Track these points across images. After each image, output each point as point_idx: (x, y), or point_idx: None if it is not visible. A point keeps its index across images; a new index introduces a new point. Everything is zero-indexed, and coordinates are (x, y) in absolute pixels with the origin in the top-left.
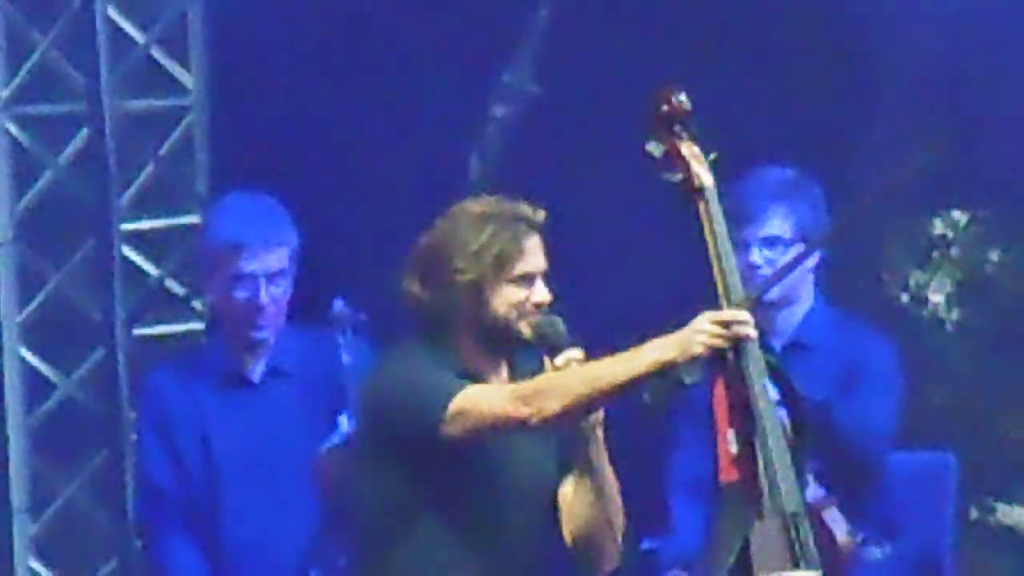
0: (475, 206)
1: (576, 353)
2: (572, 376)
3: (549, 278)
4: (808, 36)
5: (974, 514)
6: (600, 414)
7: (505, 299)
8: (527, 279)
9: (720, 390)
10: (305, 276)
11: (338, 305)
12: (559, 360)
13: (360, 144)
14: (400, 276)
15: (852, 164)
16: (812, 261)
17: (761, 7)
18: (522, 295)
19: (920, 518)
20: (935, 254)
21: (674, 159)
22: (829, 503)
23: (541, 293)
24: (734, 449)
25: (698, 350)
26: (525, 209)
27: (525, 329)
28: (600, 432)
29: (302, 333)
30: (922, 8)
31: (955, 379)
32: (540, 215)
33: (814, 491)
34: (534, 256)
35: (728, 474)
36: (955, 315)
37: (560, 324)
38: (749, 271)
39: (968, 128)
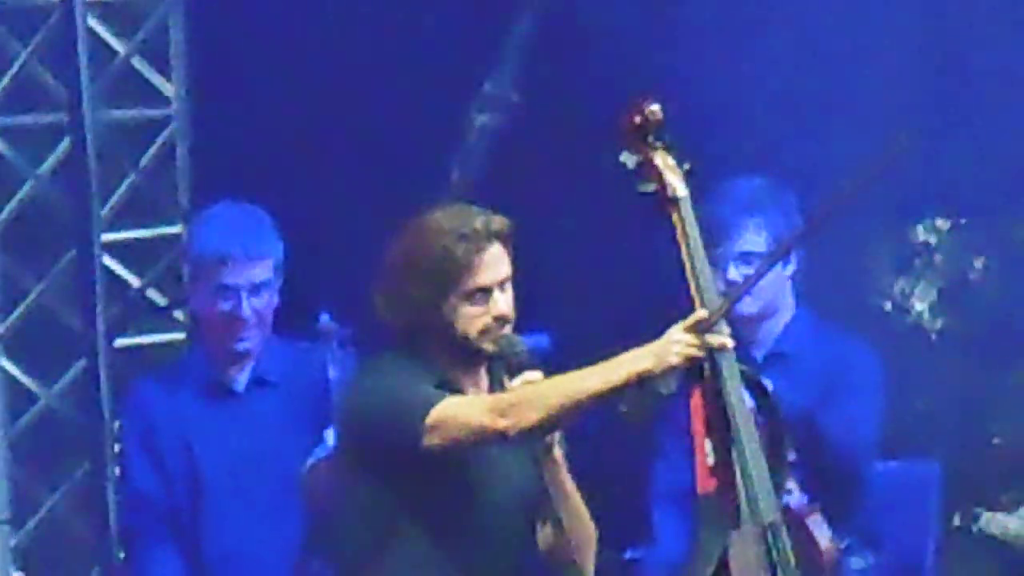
0: (428, 221)
1: (535, 376)
2: (549, 387)
3: (514, 284)
4: (780, 43)
5: (957, 521)
6: (556, 436)
7: (461, 315)
8: (483, 292)
9: (697, 400)
10: (292, 287)
11: (324, 320)
12: (515, 382)
13: (343, 154)
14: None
15: (826, 171)
16: (790, 269)
17: (735, 17)
18: (479, 310)
19: (903, 526)
20: (918, 262)
21: (648, 169)
22: (813, 510)
23: (498, 307)
24: (711, 459)
25: (674, 360)
26: (479, 220)
27: (488, 345)
28: (558, 452)
29: (288, 343)
30: (900, 9)
31: (938, 387)
32: (496, 224)
33: (798, 498)
34: (489, 269)
35: (705, 484)
36: (938, 323)
37: (520, 344)
38: (728, 288)
39: (951, 135)
